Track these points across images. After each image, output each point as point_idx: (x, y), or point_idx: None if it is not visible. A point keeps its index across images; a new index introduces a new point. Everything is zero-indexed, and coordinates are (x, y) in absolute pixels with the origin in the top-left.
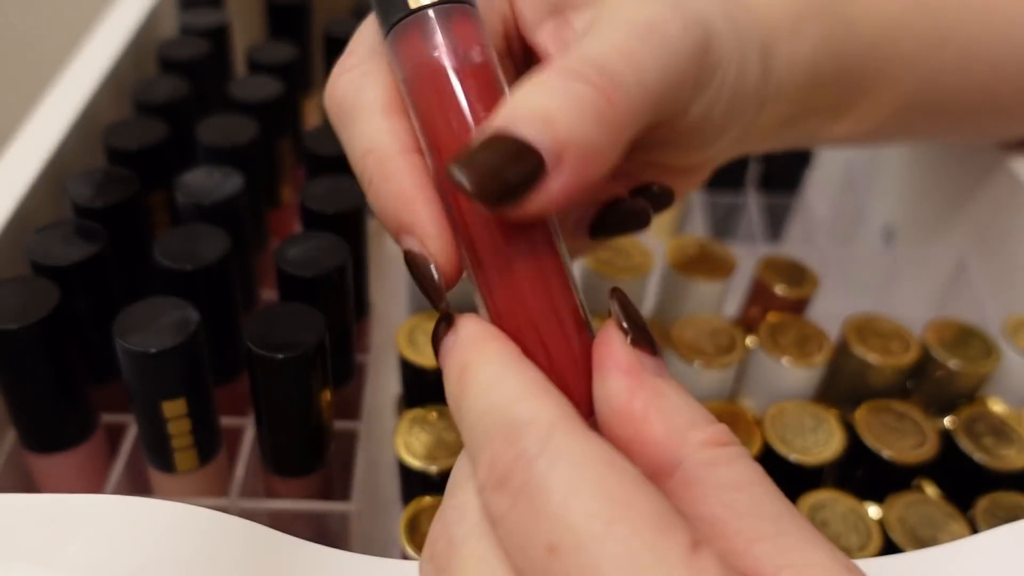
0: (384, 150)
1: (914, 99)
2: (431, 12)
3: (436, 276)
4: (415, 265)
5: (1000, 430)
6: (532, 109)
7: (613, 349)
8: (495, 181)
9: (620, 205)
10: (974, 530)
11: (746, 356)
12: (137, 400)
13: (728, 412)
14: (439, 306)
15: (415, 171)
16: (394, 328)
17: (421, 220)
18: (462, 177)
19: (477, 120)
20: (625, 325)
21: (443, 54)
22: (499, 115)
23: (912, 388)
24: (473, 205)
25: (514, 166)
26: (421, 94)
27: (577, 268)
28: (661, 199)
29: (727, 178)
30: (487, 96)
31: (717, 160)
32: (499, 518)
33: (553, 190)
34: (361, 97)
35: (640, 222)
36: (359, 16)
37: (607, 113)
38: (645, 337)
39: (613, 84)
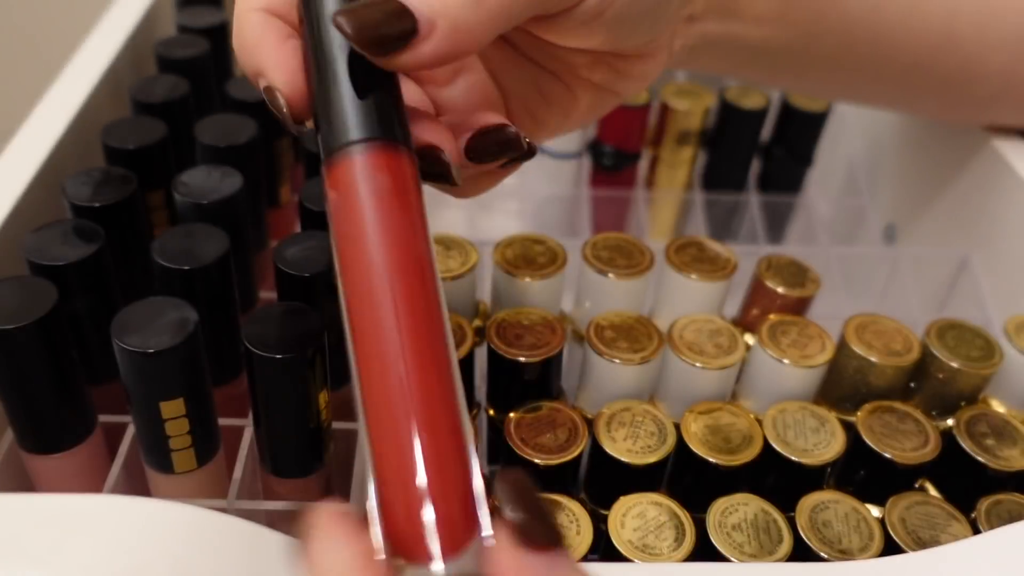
0: (241, 5)
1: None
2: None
3: (283, 104)
4: (269, 97)
5: (1002, 431)
6: None
7: (499, 556)
8: (372, 32)
9: (489, 132)
10: (976, 531)
11: (747, 356)
12: (135, 400)
13: (728, 411)
14: (290, 131)
15: (265, 24)
16: None
17: (267, 60)
18: (344, 23)
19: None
20: (515, 518)
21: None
22: None
23: (914, 389)
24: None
25: (391, 24)
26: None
27: (576, 267)
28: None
29: (728, 178)
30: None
31: (663, 45)
32: None
33: (422, 52)
34: None
35: (510, 146)
36: None
37: None
38: (540, 529)
39: None
